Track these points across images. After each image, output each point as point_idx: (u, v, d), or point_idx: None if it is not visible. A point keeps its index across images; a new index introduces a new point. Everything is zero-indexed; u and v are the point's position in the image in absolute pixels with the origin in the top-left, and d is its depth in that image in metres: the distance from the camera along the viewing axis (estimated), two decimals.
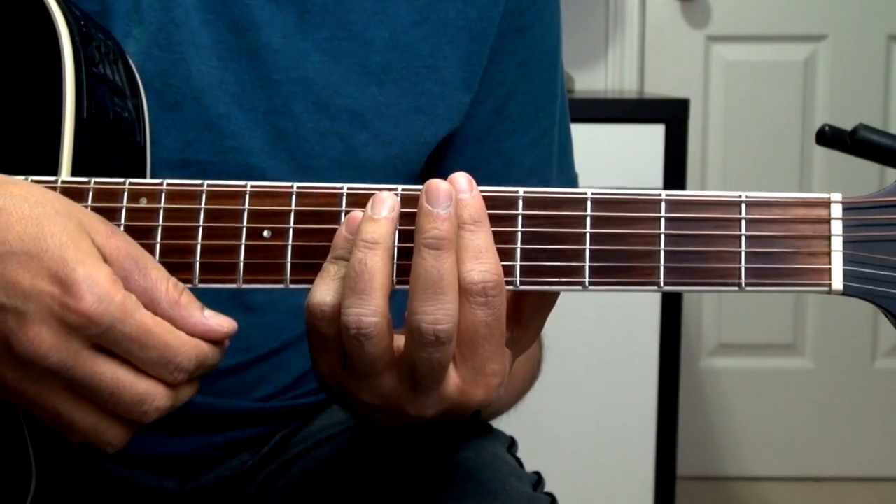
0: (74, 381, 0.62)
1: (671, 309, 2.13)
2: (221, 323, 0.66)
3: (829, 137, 0.82)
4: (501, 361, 0.66)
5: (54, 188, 0.68)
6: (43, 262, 0.60)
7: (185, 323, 0.64)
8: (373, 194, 0.67)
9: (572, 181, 1.03)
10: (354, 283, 0.63)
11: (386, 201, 0.66)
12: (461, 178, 0.66)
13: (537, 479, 0.91)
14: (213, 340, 0.65)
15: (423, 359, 0.63)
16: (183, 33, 0.84)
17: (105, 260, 0.62)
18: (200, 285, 0.68)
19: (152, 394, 0.63)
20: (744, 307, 2.91)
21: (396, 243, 0.66)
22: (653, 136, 2.09)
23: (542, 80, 0.97)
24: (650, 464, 2.18)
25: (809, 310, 2.93)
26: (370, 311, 0.63)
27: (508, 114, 0.95)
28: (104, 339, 0.61)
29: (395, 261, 0.66)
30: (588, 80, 2.84)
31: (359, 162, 0.89)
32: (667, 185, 2.09)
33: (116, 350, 0.62)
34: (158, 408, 0.64)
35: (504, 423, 1.00)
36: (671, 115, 2.11)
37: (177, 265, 0.68)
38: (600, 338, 2.14)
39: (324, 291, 0.65)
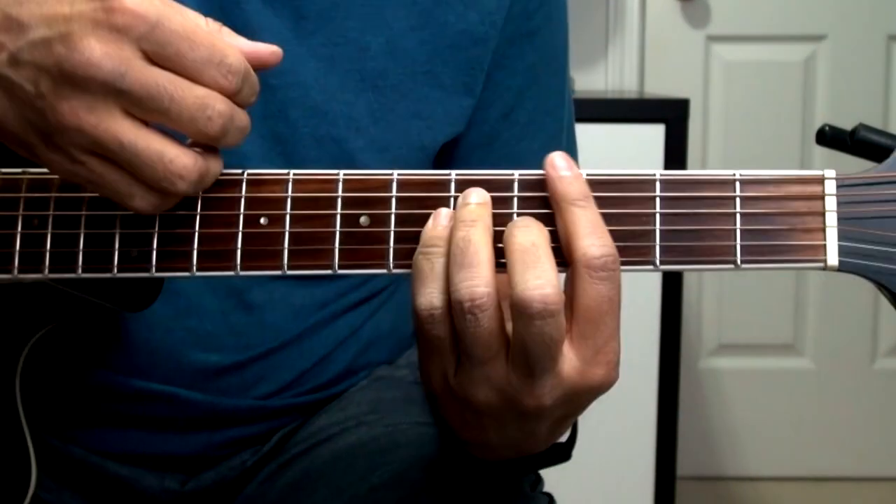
0: (132, 93, 0.60)
1: (671, 309, 2.13)
2: (267, 46, 0.66)
3: (829, 137, 0.82)
4: (618, 338, 0.65)
5: (52, 179, 0.69)
6: None
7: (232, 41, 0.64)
8: (370, 180, 0.67)
9: None
10: (461, 258, 0.62)
11: (479, 191, 0.66)
12: (559, 159, 0.66)
13: (535, 478, 0.91)
14: (261, 61, 0.65)
15: (534, 335, 0.61)
16: None
17: None
18: (198, 273, 0.68)
19: (212, 96, 0.62)
20: (744, 307, 2.91)
21: (406, 227, 0.67)
22: (653, 136, 2.09)
23: (550, 85, 0.97)
24: (650, 464, 2.17)
25: (809, 310, 2.93)
26: (481, 281, 0.62)
27: (516, 119, 0.95)
28: (153, 41, 0.60)
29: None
30: (588, 80, 2.84)
31: (355, 167, 0.88)
32: None
33: (167, 52, 0.61)
34: (221, 112, 0.62)
35: None
36: (671, 115, 2.11)
37: (174, 253, 0.68)
38: None
39: (429, 293, 0.64)
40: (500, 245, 0.65)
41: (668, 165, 2.09)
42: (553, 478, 0.96)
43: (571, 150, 1.02)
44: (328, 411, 0.97)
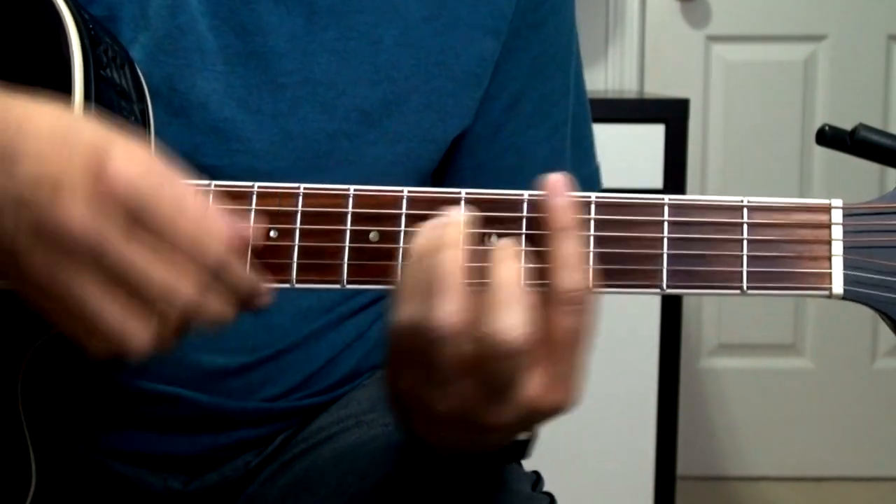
0: (105, 262, 0.60)
1: (671, 309, 2.13)
2: (248, 227, 0.66)
3: (829, 137, 0.82)
4: (585, 367, 0.66)
5: None
6: (77, 142, 0.60)
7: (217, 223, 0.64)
8: (380, 196, 0.68)
9: (592, 174, 1.02)
10: (438, 282, 0.63)
11: (462, 211, 0.67)
12: (559, 183, 0.66)
13: (536, 478, 0.92)
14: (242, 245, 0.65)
15: (498, 371, 0.63)
16: (189, 39, 0.84)
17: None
18: None
19: (182, 283, 0.62)
20: (744, 307, 2.90)
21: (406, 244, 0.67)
22: (653, 136, 2.09)
23: (555, 75, 0.96)
24: (650, 464, 2.17)
25: (809, 310, 2.93)
26: (452, 309, 0.62)
27: (522, 109, 0.94)
28: (136, 215, 0.60)
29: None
30: (588, 80, 2.80)
31: (366, 161, 0.89)
32: (667, 186, 2.08)
33: (148, 231, 0.61)
34: (187, 300, 0.62)
35: None
36: (671, 115, 2.11)
37: None
38: (600, 338, 2.13)
39: (415, 307, 0.64)
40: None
41: (667, 165, 2.09)
42: (553, 477, 0.96)
43: (584, 140, 1.01)
44: (329, 410, 0.97)
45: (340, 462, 0.90)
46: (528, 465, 0.95)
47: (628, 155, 2.09)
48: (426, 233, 0.65)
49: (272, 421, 0.94)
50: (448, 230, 0.65)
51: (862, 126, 0.79)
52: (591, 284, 0.65)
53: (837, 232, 0.67)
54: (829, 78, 2.86)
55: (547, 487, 0.91)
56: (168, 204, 0.61)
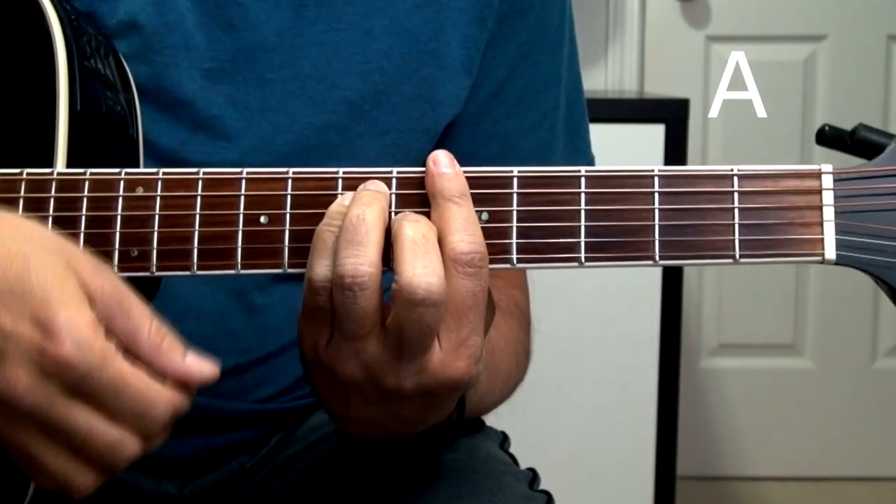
0: (48, 423, 0.62)
1: (671, 309, 2.13)
2: (202, 368, 0.66)
3: (829, 137, 0.82)
4: (482, 334, 0.67)
5: (50, 180, 0.69)
6: (25, 303, 0.61)
7: (166, 368, 0.65)
8: (367, 179, 0.68)
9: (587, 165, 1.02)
10: (351, 235, 0.64)
11: (380, 183, 0.68)
12: (443, 156, 0.67)
13: (532, 476, 0.91)
14: (192, 385, 0.66)
15: (413, 321, 0.63)
16: (176, 37, 0.84)
17: (90, 299, 0.63)
18: (199, 272, 0.68)
19: (124, 441, 0.64)
20: (744, 307, 2.91)
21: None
22: (653, 136, 2.09)
23: (543, 62, 0.96)
24: (650, 464, 2.17)
25: (809, 310, 2.93)
26: (366, 260, 0.64)
27: (506, 97, 0.94)
28: (80, 386, 0.62)
29: None
30: (588, 80, 2.81)
31: (356, 153, 0.88)
32: None
33: (92, 397, 0.62)
34: (130, 455, 0.64)
35: (504, 424, 0.99)
36: (671, 115, 2.11)
37: (175, 253, 0.68)
38: (600, 337, 2.13)
39: (327, 265, 0.65)
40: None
41: (668, 165, 2.08)
42: (553, 477, 0.96)
43: (578, 131, 1.00)
44: (321, 410, 0.96)
45: (335, 461, 0.90)
46: (525, 462, 0.95)
47: (628, 155, 2.08)
48: (340, 198, 0.67)
49: (266, 422, 0.94)
50: (362, 194, 0.66)
51: (862, 126, 0.79)
52: (485, 250, 0.66)
53: (828, 197, 0.67)
54: (829, 78, 2.86)
55: (547, 487, 0.91)
56: (111, 377, 0.62)
